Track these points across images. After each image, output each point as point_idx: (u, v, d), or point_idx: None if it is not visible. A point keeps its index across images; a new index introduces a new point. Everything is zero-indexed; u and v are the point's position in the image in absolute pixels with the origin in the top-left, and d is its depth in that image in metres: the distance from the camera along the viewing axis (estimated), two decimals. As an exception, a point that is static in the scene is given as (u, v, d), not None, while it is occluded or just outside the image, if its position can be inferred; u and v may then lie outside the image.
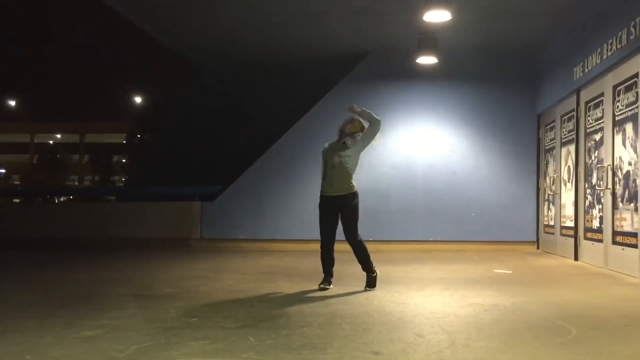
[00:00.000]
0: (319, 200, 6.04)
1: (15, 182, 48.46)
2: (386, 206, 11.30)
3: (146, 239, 11.48)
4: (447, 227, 11.19)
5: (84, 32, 64.25)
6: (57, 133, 52.96)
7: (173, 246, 11.22)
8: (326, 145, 6.19)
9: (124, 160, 45.73)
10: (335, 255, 6.07)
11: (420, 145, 11.49)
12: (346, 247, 6.06)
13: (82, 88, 56.92)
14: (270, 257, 9.39)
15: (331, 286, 5.92)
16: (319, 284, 5.91)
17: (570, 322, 4.29)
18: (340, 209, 5.97)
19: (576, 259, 8.89)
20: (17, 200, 19.96)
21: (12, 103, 53.40)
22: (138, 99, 44.58)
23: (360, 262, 6.06)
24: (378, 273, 6.06)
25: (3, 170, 50.15)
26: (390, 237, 11.15)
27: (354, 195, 6.05)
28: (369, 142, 6.15)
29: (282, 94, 12.41)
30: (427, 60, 10.27)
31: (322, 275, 6.06)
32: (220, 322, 4.29)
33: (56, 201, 24.54)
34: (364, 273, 6.05)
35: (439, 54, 10.12)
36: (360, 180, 11.49)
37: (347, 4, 9.45)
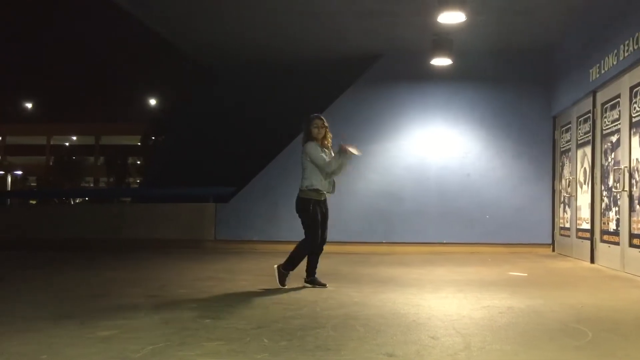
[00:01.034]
0: (312, 203, 6.05)
1: (32, 184, 48.98)
2: (399, 208, 11.28)
3: (161, 240, 11.54)
4: (461, 229, 11.13)
5: (99, 34, 64.84)
6: (73, 135, 53.46)
7: (187, 247, 11.26)
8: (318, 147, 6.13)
9: (138, 162, 46.05)
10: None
11: (434, 147, 11.46)
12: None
13: (97, 90, 57.41)
14: (284, 258, 9.36)
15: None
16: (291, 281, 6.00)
17: (586, 325, 4.24)
18: (325, 211, 6.17)
19: (592, 261, 8.80)
20: (33, 202, 20.17)
21: (29, 105, 53.97)
22: (152, 101, 44.89)
23: (316, 261, 6.17)
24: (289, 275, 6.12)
25: (20, 172, 50.71)
26: (403, 238, 11.13)
27: None
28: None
29: (296, 96, 12.42)
30: (441, 61, 10.24)
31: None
32: (234, 323, 4.30)
33: (72, 202, 24.78)
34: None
35: (453, 55, 10.09)
36: (373, 181, 11.62)
37: (361, 6, 9.45)
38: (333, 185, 6.26)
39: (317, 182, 6.07)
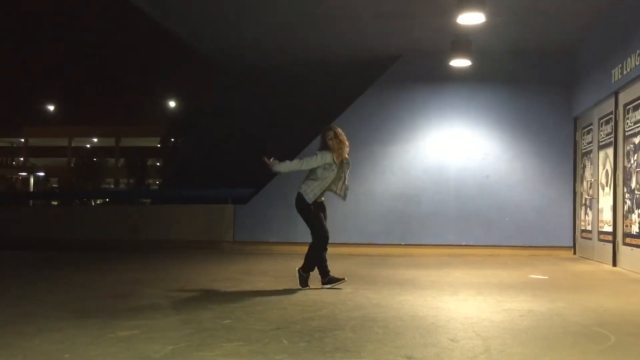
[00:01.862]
0: (312, 205, 6.15)
1: (54, 185, 49.62)
2: (417, 209, 11.23)
3: (179, 241, 11.63)
4: (480, 231, 11.05)
5: (119, 37, 65.52)
6: (94, 137, 54.07)
7: (206, 248, 11.33)
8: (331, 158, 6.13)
9: (158, 164, 46.43)
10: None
11: (453, 149, 11.39)
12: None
13: (117, 93, 58.04)
14: (301, 260, 9.34)
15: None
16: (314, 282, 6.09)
17: (609, 329, 4.19)
18: (324, 213, 6.28)
19: (614, 264, 8.68)
20: (55, 203, 20.42)
21: (51, 108, 54.70)
22: (172, 104, 45.22)
23: (323, 261, 6.22)
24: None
25: (42, 173, 51.41)
26: (421, 241, 11.07)
27: None
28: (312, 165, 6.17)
29: (314, 97, 12.45)
30: (460, 62, 10.18)
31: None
32: (253, 324, 4.32)
33: (92, 203, 25.05)
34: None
35: (472, 56, 10.03)
36: (391, 183, 11.59)
37: (379, 7, 9.43)
38: (344, 193, 6.28)
39: (315, 191, 6.11)
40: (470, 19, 8.21)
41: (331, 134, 6.16)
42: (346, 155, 6.21)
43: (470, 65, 10.31)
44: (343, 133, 6.22)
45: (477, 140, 11.37)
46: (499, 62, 11.12)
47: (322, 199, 6.26)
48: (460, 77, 11.00)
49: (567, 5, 9.01)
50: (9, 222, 12.87)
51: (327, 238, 6.15)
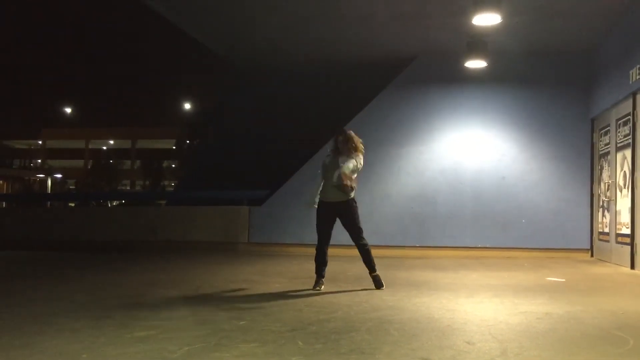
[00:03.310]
0: (319, 205, 6.35)
1: (71, 187, 50.13)
2: (433, 211, 11.19)
3: (195, 243, 11.68)
4: (496, 233, 10.98)
5: (136, 41, 66.07)
6: (110, 139, 54.55)
7: (221, 250, 11.38)
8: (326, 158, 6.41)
9: (173, 165, 46.72)
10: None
11: (469, 150, 11.33)
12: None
13: (133, 95, 58.50)
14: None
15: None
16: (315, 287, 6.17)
17: (628, 332, 4.14)
18: (339, 215, 6.27)
19: (632, 267, 8.58)
20: (72, 204, 20.63)
21: (69, 110, 55.28)
22: (187, 105, 45.47)
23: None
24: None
25: (59, 175, 51.95)
26: (437, 242, 11.03)
27: (351, 201, 6.26)
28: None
29: (329, 99, 12.46)
30: (476, 64, 10.13)
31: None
32: (268, 325, 4.33)
33: (109, 205, 25.28)
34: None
35: (488, 57, 9.98)
36: (407, 184, 11.57)
37: (395, 8, 9.42)
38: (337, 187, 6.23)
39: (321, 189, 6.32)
40: (486, 19, 8.18)
41: (338, 137, 6.34)
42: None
43: (486, 66, 10.26)
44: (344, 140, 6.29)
45: (493, 142, 11.31)
46: (515, 63, 11.05)
47: (331, 200, 6.25)
48: (476, 78, 10.95)
49: (584, 6, 8.94)
50: (28, 223, 13.02)
51: (318, 244, 6.27)
